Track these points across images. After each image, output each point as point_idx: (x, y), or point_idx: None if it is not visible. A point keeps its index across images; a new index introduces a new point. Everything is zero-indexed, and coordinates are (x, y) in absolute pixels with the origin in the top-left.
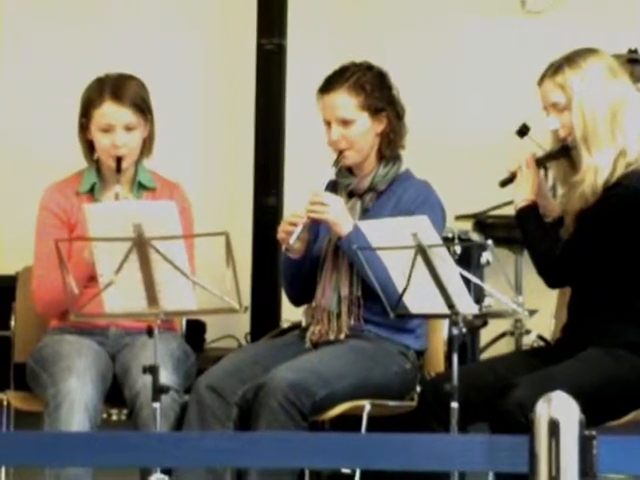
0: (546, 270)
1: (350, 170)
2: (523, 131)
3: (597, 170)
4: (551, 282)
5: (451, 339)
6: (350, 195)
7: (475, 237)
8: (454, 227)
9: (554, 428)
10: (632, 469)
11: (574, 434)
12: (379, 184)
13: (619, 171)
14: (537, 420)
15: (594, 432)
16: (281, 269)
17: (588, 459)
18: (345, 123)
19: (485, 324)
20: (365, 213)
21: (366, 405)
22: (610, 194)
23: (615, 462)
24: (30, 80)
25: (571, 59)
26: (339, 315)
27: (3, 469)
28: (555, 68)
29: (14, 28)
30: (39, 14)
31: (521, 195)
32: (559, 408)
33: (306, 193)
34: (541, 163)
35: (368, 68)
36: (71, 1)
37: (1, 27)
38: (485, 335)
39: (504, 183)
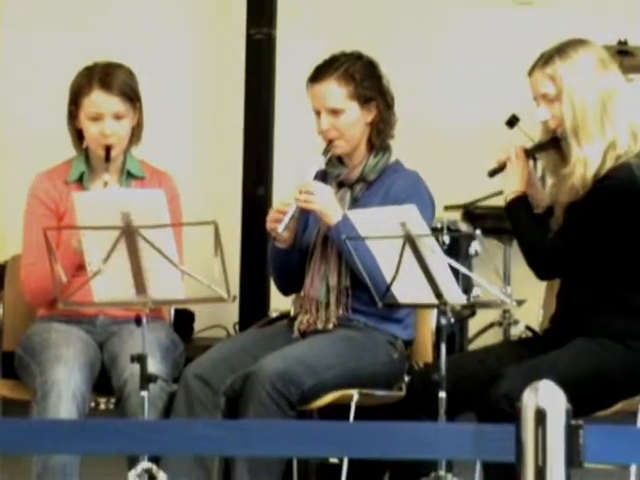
0: (536, 262)
1: (340, 160)
2: (512, 122)
3: (587, 162)
4: (541, 274)
5: (439, 329)
6: (340, 185)
7: (464, 227)
8: (443, 217)
9: (541, 417)
10: (618, 459)
11: (561, 423)
12: (369, 174)
13: (609, 163)
14: (524, 409)
15: (581, 421)
16: (269, 259)
17: (574, 448)
18: (335, 112)
19: (473, 314)
20: (355, 203)
21: (354, 394)
22: (600, 186)
23: (602, 452)
24: (17, 66)
25: (562, 50)
26: (327, 305)
27: None
28: (545, 59)
29: (8, 14)
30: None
31: (511, 186)
32: (546, 397)
33: (295, 183)
34: (530, 154)
35: (358, 57)
36: None
37: None
38: (473, 325)
39: (493, 173)
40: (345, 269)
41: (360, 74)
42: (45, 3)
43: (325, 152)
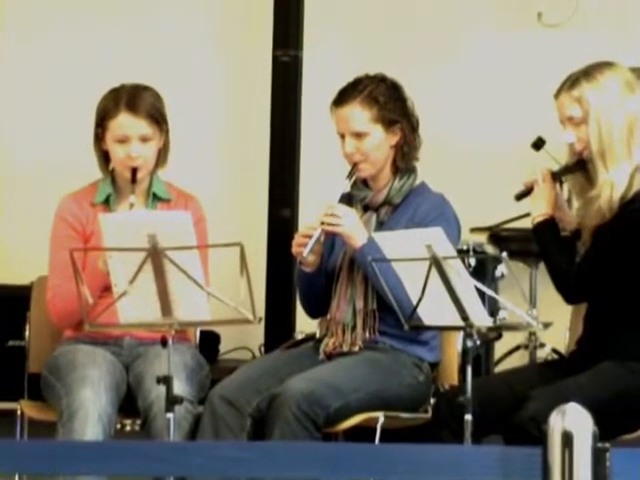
0: (563, 286)
1: (365, 183)
2: (538, 144)
3: (613, 185)
4: (569, 298)
5: (465, 351)
6: (365, 208)
7: (490, 250)
8: (469, 239)
9: (567, 440)
10: None
11: (587, 446)
12: (395, 197)
13: (635, 186)
14: (551, 432)
15: (607, 445)
16: (297, 283)
17: (601, 472)
18: (359, 136)
19: (499, 337)
20: (381, 226)
21: (380, 417)
22: (627, 210)
23: (628, 475)
24: (45, 90)
25: (588, 72)
26: (354, 328)
27: (17, 477)
28: (572, 81)
29: (35, 33)
30: (48, 19)
31: (538, 209)
32: (573, 420)
33: (321, 206)
34: (557, 177)
35: (382, 80)
36: (91, 9)
37: (16, 38)
38: (500, 348)
39: (519, 197)
40: (371, 292)
41: (384, 97)
42: (68, 23)
43: (350, 175)
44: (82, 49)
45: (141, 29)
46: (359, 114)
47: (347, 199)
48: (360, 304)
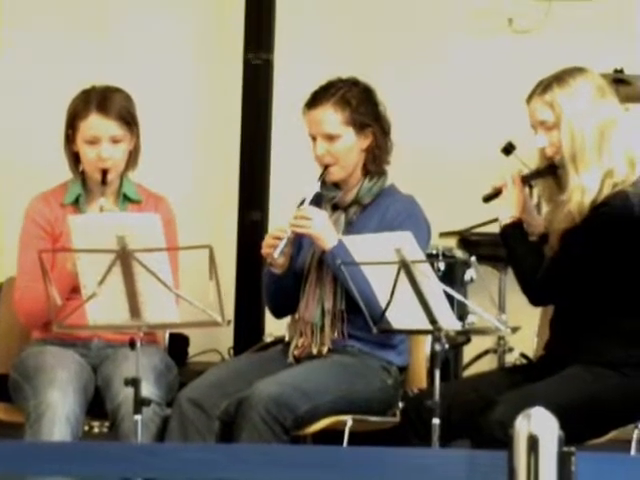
0: (530, 289)
1: (336, 184)
2: (508, 149)
3: (584, 190)
4: (535, 300)
5: (433, 355)
6: (334, 208)
7: (459, 254)
8: (438, 244)
9: (533, 444)
10: None
11: (553, 450)
12: (364, 197)
13: (606, 191)
14: (516, 435)
15: (573, 449)
16: (264, 284)
17: (566, 475)
18: (330, 138)
19: (468, 341)
20: (349, 226)
21: (348, 420)
22: (598, 213)
23: (594, 478)
24: (16, 90)
25: (560, 78)
26: (322, 328)
27: None
28: (544, 86)
29: (8, 36)
30: (32, 22)
31: (506, 212)
32: (538, 424)
33: (291, 208)
34: (527, 181)
35: (354, 84)
36: (64, 13)
37: None
38: (468, 352)
39: (488, 198)
40: (340, 292)
41: (356, 100)
42: (45, 25)
43: (320, 177)
44: (53, 51)
45: (113, 31)
46: (331, 116)
47: (317, 199)
48: (329, 304)
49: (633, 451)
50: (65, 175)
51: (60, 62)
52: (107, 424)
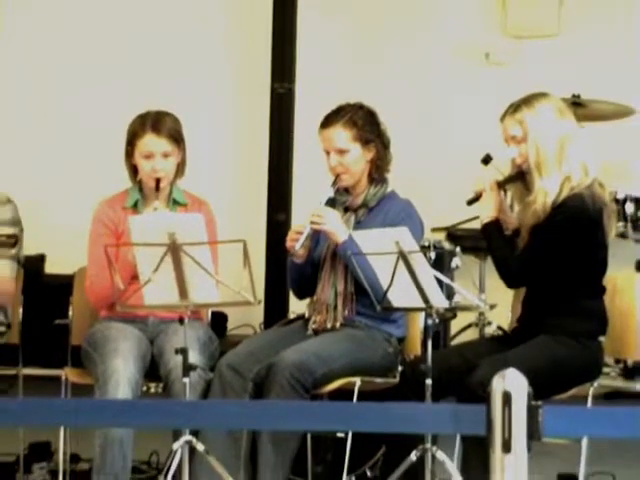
0: (505, 274)
1: (346, 190)
2: (487, 160)
3: (547, 192)
4: (510, 284)
5: (426, 328)
6: (346, 210)
7: (447, 246)
8: (430, 237)
9: (507, 399)
10: (572, 433)
11: (523, 404)
12: (370, 201)
13: (564, 193)
14: (493, 392)
15: (540, 402)
16: (288, 271)
17: (535, 425)
18: (341, 152)
19: (454, 316)
20: (358, 224)
21: (357, 381)
22: (558, 212)
23: (557, 427)
24: (79, 117)
25: (527, 100)
26: (335, 307)
27: (62, 429)
28: (515, 107)
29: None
30: (50, 36)
31: (486, 212)
32: (511, 383)
33: (310, 210)
34: (502, 186)
35: (360, 107)
36: (102, 43)
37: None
38: (454, 325)
39: (470, 202)
40: (350, 278)
41: (362, 120)
42: (89, 56)
43: (333, 184)
44: (108, 78)
45: (159, 63)
46: (341, 134)
47: (331, 203)
48: (341, 287)
49: (589, 404)
50: (124, 184)
51: (115, 89)
52: (161, 385)
